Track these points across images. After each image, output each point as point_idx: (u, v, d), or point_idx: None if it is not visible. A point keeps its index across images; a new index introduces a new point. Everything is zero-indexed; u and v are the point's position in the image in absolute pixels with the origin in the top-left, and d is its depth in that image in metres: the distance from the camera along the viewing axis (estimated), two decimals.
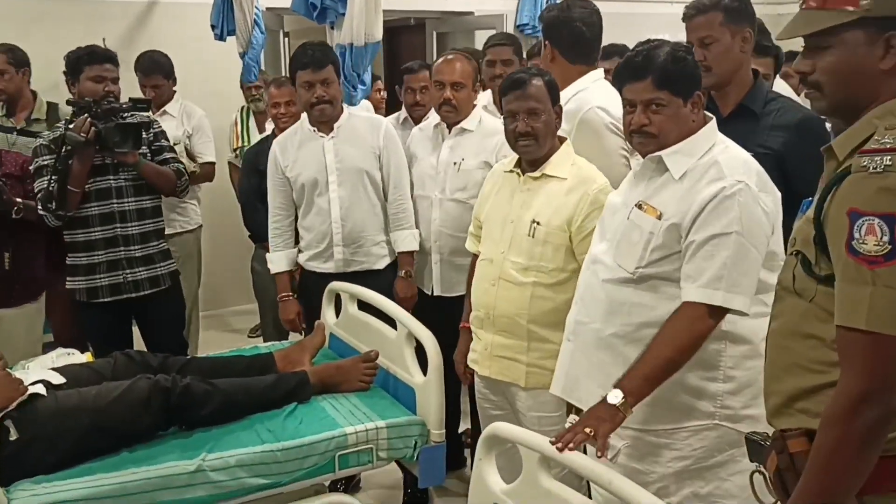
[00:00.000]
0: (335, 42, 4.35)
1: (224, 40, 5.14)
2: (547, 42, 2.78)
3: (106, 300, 3.27)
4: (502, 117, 2.56)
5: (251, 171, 3.88)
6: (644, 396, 1.93)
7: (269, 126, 4.87)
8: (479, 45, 5.31)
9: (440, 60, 3.24)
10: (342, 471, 2.45)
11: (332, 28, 4.46)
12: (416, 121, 3.84)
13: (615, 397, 1.89)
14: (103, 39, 5.36)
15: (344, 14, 4.20)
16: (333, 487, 3.00)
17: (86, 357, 2.74)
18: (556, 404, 2.45)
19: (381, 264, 3.35)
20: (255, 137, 4.93)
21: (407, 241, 3.32)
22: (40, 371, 2.44)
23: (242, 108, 5.26)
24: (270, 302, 3.78)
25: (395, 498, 3.37)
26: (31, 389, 2.30)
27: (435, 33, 7.09)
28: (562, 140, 2.54)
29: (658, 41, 2.04)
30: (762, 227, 1.94)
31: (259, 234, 3.81)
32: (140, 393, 2.34)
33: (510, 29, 6.90)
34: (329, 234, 3.27)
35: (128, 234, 3.28)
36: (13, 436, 2.18)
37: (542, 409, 2.51)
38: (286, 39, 6.75)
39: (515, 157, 2.57)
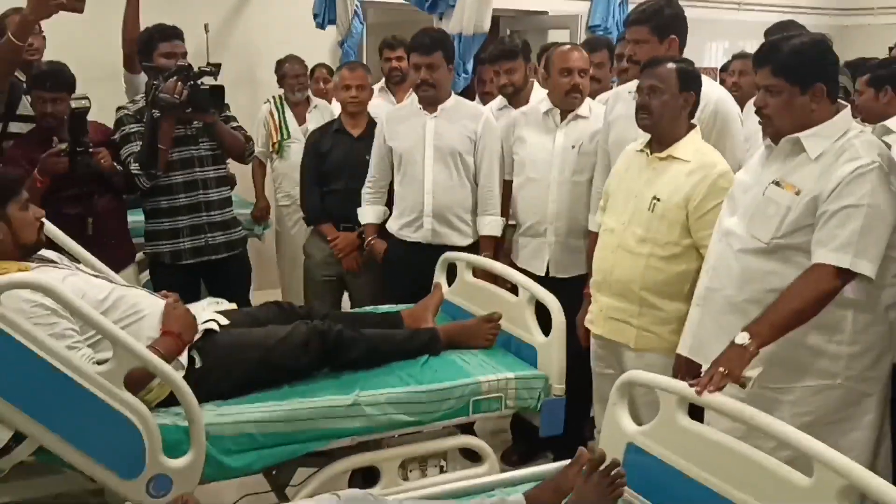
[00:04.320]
0: None
1: (324, 28, 5.40)
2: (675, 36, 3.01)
3: (188, 262, 3.55)
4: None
5: (312, 154, 3.99)
6: (769, 341, 2.14)
7: (311, 117, 4.94)
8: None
9: (566, 49, 3.46)
10: (475, 415, 2.70)
11: (441, 19, 4.71)
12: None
13: (742, 338, 2.10)
14: (205, 25, 5.68)
15: (453, 6, 4.45)
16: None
17: (232, 306, 3.00)
18: (663, 367, 2.67)
19: (465, 242, 3.60)
20: (294, 130, 4.93)
21: (491, 225, 3.58)
22: (208, 312, 2.70)
23: (275, 98, 5.11)
24: (317, 284, 4.08)
25: None
26: (207, 326, 2.58)
27: (508, 31, 7.33)
28: (691, 127, 2.77)
29: (798, 32, 2.27)
30: (890, 204, 2.15)
31: (313, 217, 4.03)
32: (300, 336, 2.60)
33: (582, 29, 7.15)
34: (421, 205, 3.55)
35: (209, 200, 3.57)
36: (198, 364, 2.46)
37: (649, 371, 2.73)
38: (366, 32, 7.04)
39: (647, 137, 2.80)
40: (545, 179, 3.45)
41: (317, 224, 4.01)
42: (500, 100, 4.00)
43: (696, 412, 2.20)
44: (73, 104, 3.27)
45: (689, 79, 2.71)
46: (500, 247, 3.65)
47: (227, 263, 3.68)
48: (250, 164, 4.42)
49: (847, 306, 2.23)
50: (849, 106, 2.29)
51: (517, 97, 3.85)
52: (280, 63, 5.11)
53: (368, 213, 3.79)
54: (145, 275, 4.00)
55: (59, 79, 3.37)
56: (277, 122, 5.05)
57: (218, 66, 3.59)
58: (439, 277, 3.39)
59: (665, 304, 2.72)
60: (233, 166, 4.00)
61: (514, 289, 3.07)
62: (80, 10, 3.24)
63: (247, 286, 3.92)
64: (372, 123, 3.97)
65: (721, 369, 2.06)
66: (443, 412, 2.63)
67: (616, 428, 2.31)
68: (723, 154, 2.83)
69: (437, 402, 2.61)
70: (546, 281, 3.41)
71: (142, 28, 3.78)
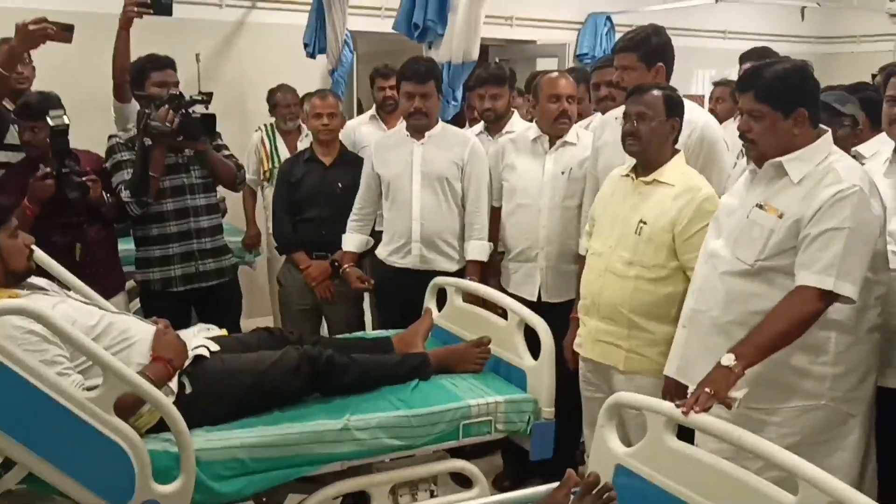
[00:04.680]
0: None
1: (315, 58, 5.47)
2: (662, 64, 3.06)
3: (179, 289, 3.57)
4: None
5: (284, 183, 3.99)
6: (754, 362, 2.16)
7: (302, 145, 4.89)
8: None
9: (554, 76, 3.51)
10: (465, 439, 2.70)
11: (430, 48, 4.77)
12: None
13: (728, 360, 2.13)
14: (197, 55, 5.73)
15: (442, 35, 4.51)
16: None
17: (223, 332, 3.01)
18: (652, 389, 2.69)
19: (453, 267, 3.62)
20: (285, 158, 4.83)
21: (477, 250, 3.60)
22: (198, 339, 2.71)
23: (266, 126, 5.13)
24: (293, 314, 4.05)
25: None
26: (197, 352, 2.59)
27: (497, 59, 7.41)
28: (676, 152, 2.81)
29: (780, 59, 2.32)
30: (871, 227, 2.20)
31: (285, 246, 4.01)
32: (291, 361, 2.61)
33: (570, 58, 7.24)
34: (409, 231, 3.58)
35: (200, 228, 3.60)
36: (188, 390, 2.47)
37: (639, 393, 2.75)
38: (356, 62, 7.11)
39: (632, 162, 2.84)
40: (536, 205, 3.47)
41: (289, 253, 4.00)
42: (478, 126, 4.04)
43: (687, 433, 2.22)
44: (52, 122, 3.27)
45: (675, 105, 2.76)
46: (488, 271, 3.68)
47: (217, 290, 3.70)
48: (241, 191, 4.44)
49: (830, 328, 2.26)
50: (829, 131, 2.33)
51: (496, 124, 3.90)
52: (272, 92, 5.15)
53: (349, 241, 3.79)
54: (136, 303, 4.01)
55: (38, 107, 3.36)
56: (269, 151, 5.08)
57: (209, 94, 3.63)
58: (429, 302, 3.41)
59: (653, 326, 2.74)
60: (224, 194, 4.03)
61: (504, 313, 3.09)
62: (69, 41, 3.27)
63: (237, 313, 3.94)
64: (344, 151, 4.00)
65: (707, 390, 2.09)
66: (433, 436, 2.63)
67: (605, 449, 2.32)
68: (709, 178, 2.87)
69: (428, 427, 2.62)
70: (538, 306, 3.42)
71: (132, 58, 3.81)
